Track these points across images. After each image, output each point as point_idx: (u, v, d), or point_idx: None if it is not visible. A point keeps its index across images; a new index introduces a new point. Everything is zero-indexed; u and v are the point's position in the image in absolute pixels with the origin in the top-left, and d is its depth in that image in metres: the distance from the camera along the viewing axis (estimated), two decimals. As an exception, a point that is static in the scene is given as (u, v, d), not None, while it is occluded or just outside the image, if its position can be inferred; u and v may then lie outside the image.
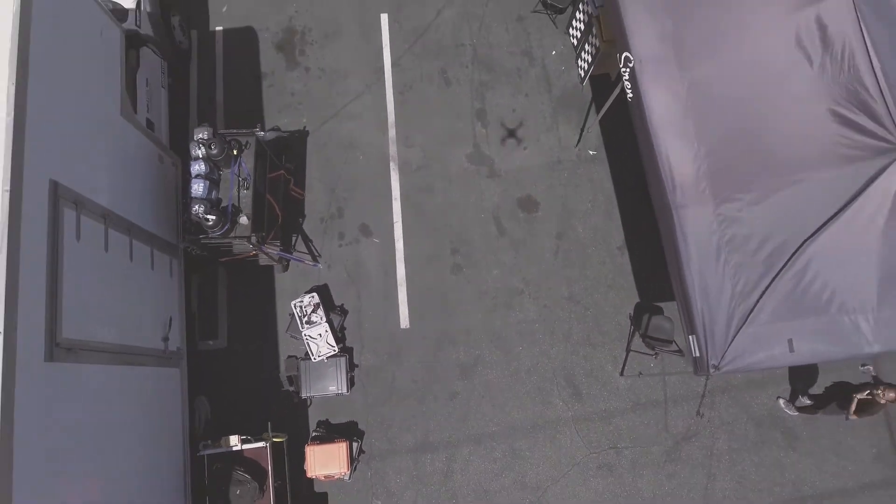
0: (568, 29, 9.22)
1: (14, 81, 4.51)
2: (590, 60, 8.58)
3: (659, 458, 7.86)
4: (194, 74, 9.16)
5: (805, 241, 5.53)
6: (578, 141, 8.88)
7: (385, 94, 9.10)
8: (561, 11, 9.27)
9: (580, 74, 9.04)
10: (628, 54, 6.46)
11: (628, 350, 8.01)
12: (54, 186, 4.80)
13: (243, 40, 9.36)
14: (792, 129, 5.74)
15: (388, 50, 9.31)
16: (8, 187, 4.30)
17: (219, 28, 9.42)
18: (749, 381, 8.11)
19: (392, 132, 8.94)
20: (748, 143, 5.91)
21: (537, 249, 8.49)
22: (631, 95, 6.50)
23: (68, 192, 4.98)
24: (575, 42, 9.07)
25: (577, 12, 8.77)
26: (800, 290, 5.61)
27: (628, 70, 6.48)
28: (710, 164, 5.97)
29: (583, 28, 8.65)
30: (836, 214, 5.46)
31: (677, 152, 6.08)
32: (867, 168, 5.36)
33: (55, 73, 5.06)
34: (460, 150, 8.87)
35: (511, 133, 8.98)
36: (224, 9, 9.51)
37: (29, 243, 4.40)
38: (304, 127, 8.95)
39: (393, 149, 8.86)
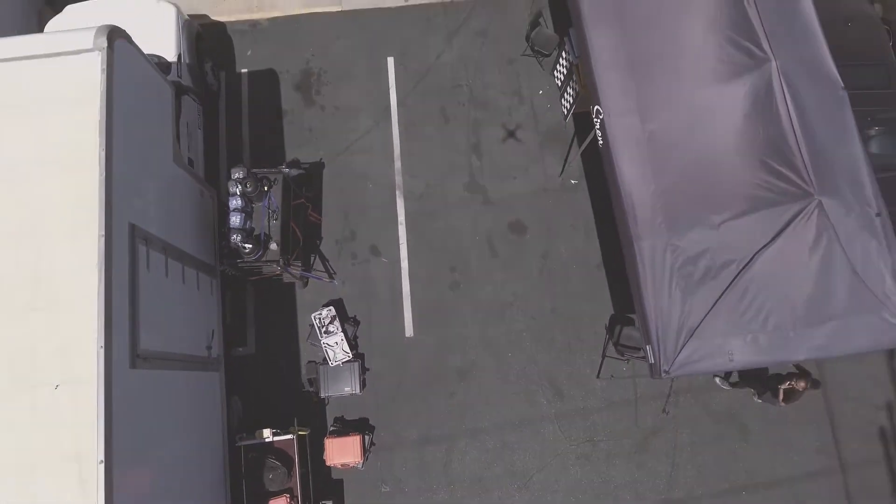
0: (553, 71, 10.43)
1: (104, 147, 5.72)
2: (571, 101, 9.79)
3: (630, 450, 9.06)
4: (223, 112, 10.39)
5: (740, 270, 6.74)
6: (562, 171, 10.08)
7: (392, 130, 10.32)
8: (547, 55, 10.47)
9: (564, 112, 10.25)
10: (599, 107, 7.69)
11: (603, 356, 9.21)
12: (132, 228, 6.01)
13: (266, 81, 10.58)
14: (731, 175, 6.95)
15: (395, 90, 10.53)
16: (102, 232, 5.51)
17: (244, 70, 10.64)
18: (709, 383, 9.31)
19: (398, 164, 10.16)
20: (696, 186, 7.12)
21: (525, 268, 9.70)
22: (601, 142, 7.71)
23: (141, 231, 6.19)
24: (559, 83, 10.28)
25: (561, 58, 9.98)
26: (737, 310, 6.82)
27: (599, 120, 7.71)
28: (665, 202, 7.19)
29: (565, 73, 9.86)
30: (764, 247, 6.67)
31: (638, 192, 7.30)
32: (789, 210, 6.59)
33: (128, 134, 6.26)
34: (458, 180, 10.09)
35: (502, 164, 10.19)
36: (248, 53, 10.74)
37: (117, 276, 5.60)
38: (321, 159, 10.17)
39: (399, 179, 10.08)
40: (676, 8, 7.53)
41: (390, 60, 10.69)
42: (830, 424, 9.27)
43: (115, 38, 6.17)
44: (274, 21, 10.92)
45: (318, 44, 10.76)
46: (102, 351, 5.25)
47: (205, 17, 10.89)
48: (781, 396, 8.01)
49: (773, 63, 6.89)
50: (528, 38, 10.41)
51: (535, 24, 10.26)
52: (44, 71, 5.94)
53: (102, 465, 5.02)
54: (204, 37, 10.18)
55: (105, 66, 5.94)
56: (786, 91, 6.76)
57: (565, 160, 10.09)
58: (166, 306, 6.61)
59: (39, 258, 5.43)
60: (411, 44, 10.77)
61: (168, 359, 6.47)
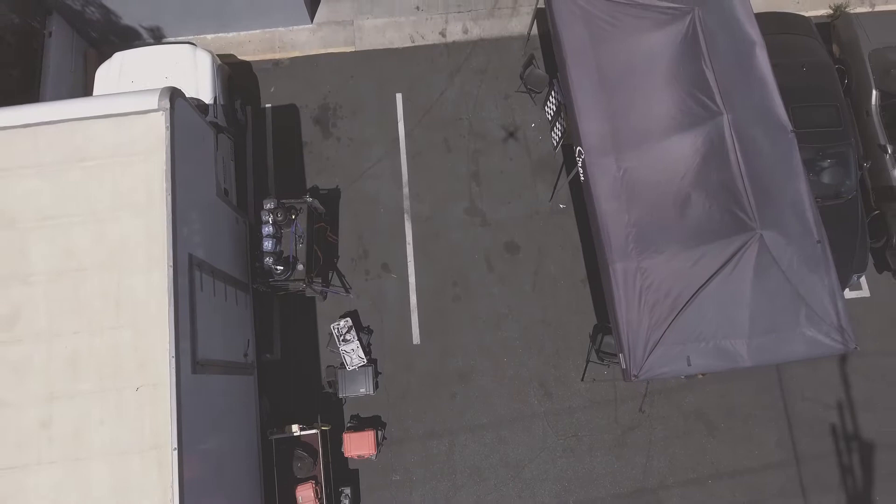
0: (544, 107, 11.69)
1: (170, 192, 6.99)
2: (560, 134, 11.04)
3: (610, 444, 10.32)
4: (250, 143, 11.65)
5: (697, 290, 7.99)
6: (552, 197, 11.34)
7: (400, 159, 11.58)
8: (538, 92, 11.72)
9: (553, 143, 11.51)
10: (580, 148, 8.95)
11: (587, 361, 10.46)
12: (190, 257, 7.27)
13: (288, 115, 11.84)
14: (691, 210, 8.21)
15: (402, 123, 11.79)
16: (170, 263, 6.78)
17: (268, 105, 11.91)
18: (680, 386, 10.57)
19: (406, 190, 11.42)
20: (662, 219, 8.38)
21: (518, 282, 10.96)
22: (583, 178, 8.97)
23: (196, 259, 7.45)
24: (549, 118, 11.54)
25: (550, 96, 11.24)
26: (695, 323, 8.06)
27: (581, 159, 8.97)
28: (636, 231, 8.43)
29: (554, 110, 11.12)
30: (717, 272, 7.92)
31: (613, 222, 8.54)
32: (736, 241, 7.84)
33: (185, 177, 7.51)
34: (459, 205, 11.35)
35: (498, 190, 11.44)
36: (272, 90, 12.00)
37: (181, 298, 6.86)
38: (337, 186, 11.43)
39: (407, 203, 11.34)
40: (646, 65, 8.78)
41: (399, 96, 11.95)
42: (787, 422, 10.54)
43: (175, 98, 7.44)
44: (294, 60, 12.19)
45: (335, 81, 12.03)
46: (173, 360, 6.51)
47: (232, 56, 12.16)
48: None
49: (725, 116, 8.15)
50: (521, 77, 11.66)
51: (528, 64, 11.52)
52: (120, 127, 7.20)
53: (176, 451, 6.29)
54: (232, 75, 11.46)
55: (168, 124, 7.21)
56: (735, 141, 8.03)
57: (554, 187, 11.34)
58: (214, 321, 7.87)
59: (121, 285, 6.69)
60: (417, 81, 12.03)
61: (217, 365, 7.73)
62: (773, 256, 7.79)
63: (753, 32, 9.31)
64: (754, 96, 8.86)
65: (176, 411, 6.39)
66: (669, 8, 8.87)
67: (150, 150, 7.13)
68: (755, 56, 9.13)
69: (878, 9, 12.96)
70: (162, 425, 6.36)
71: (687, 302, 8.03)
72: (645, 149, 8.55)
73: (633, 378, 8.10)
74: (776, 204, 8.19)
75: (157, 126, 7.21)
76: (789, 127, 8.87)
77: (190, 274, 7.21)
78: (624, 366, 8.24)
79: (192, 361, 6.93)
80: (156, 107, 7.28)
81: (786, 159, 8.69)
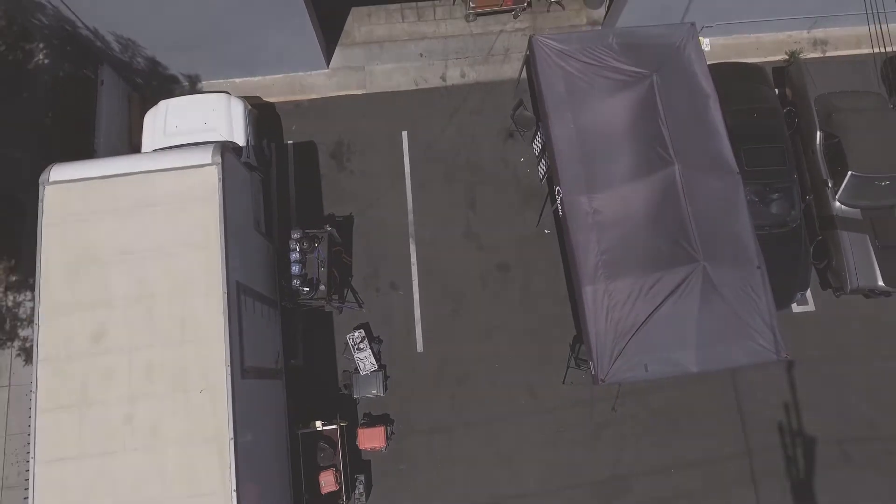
0: (531, 143, 13.35)
1: (222, 233, 8.66)
2: (545, 169, 12.70)
3: (587, 439, 11.98)
4: (274, 176, 13.32)
5: (654, 310, 9.65)
6: (538, 223, 12.99)
7: (406, 190, 13.24)
8: (527, 130, 13.38)
9: (539, 175, 13.16)
10: (559, 188, 10.63)
11: (567, 367, 12.10)
12: (238, 284, 8.94)
13: (307, 151, 13.51)
14: (647, 243, 9.88)
15: (408, 158, 13.45)
16: (225, 290, 8.45)
17: (290, 142, 13.59)
18: (648, 388, 12.20)
19: (411, 217, 13.08)
20: (624, 248, 10.04)
21: (509, 299, 12.62)
22: (561, 213, 10.65)
23: (242, 285, 9.12)
24: (536, 153, 13.20)
25: (537, 136, 12.90)
26: (651, 337, 9.72)
27: (560, 197, 10.64)
28: (604, 259, 10.10)
29: (540, 147, 12.78)
30: (669, 295, 9.58)
31: (585, 251, 10.21)
32: (684, 270, 9.52)
33: (232, 217, 9.17)
34: (458, 230, 13.01)
35: (491, 217, 13.10)
36: (293, 128, 13.67)
37: (233, 318, 8.53)
38: (351, 213, 13.09)
39: (412, 229, 13.00)
40: (613, 120, 10.45)
41: (404, 134, 13.62)
42: (741, 419, 12.19)
43: (225, 153, 9.12)
44: (313, 102, 13.87)
45: (348, 120, 13.70)
46: (228, 368, 8.19)
47: (258, 97, 13.84)
48: None
49: (676, 167, 9.81)
50: (512, 117, 13.34)
51: (517, 106, 13.20)
52: (181, 178, 8.87)
53: (232, 441, 7.96)
54: (259, 117, 13.13)
55: (220, 175, 8.89)
56: (683, 186, 9.70)
57: (540, 214, 12.98)
58: (255, 334, 9.54)
59: (185, 308, 8.37)
60: (421, 120, 13.70)
61: (258, 371, 9.41)
62: (714, 283, 9.46)
63: (708, 87, 11.04)
64: (706, 143, 10.57)
65: (231, 409, 8.07)
66: (633, 72, 10.55)
67: (205, 197, 8.81)
68: (708, 108, 10.85)
69: (828, 54, 14.64)
70: (220, 420, 8.04)
71: (645, 319, 9.70)
72: (612, 191, 10.23)
73: (600, 381, 9.78)
74: (719, 238, 9.86)
75: (211, 177, 8.89)
76: (735, 169, 10.57)
77: (237, 298, 8.87)
78: (593, 371, 9.91)
79: (241, 368, 8.61)
80: (209, 161, 8.97)
81: (731, 197, 10.40)
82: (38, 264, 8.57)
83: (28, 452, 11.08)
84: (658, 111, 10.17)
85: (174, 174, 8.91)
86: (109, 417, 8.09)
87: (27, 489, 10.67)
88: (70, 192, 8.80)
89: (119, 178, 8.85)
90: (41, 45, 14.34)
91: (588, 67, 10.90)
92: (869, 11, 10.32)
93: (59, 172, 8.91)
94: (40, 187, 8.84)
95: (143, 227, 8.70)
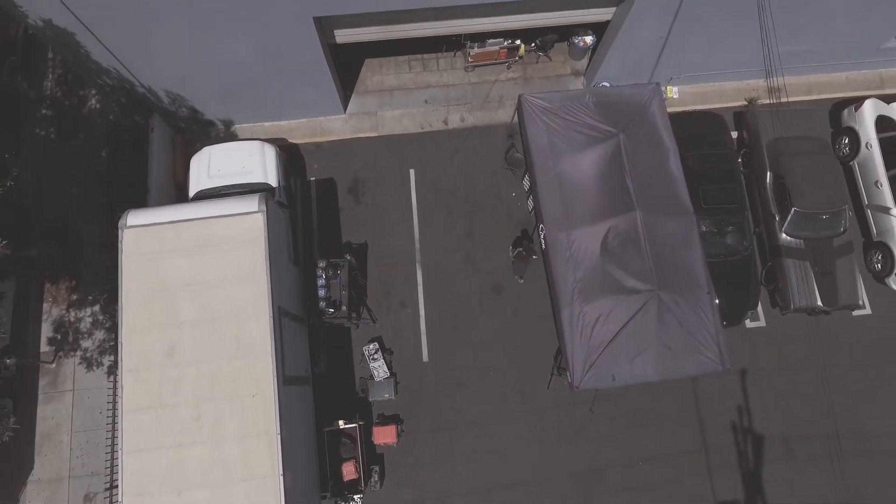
0: (521, 181, 15.41)
1: (267, 269, 10.72)
2: (531, 205, 14.74)
3: (569, 436, 14.03)
4: (299, 209, 15.38)
5: (619, 329, 11.70)
6: (527, 250, 15.04)
7: (413, 221, 15.30)
8: (518, 169, 15.43)
9: (528, 209, 15.22)
10: (542, 225, 12.69)
11: (551, 374, 14.15)
12: (279, 308, 11.00)
13: (328, 187, 15.58)
14: (613, 272, 11.93)
15: (415, 193, 15.52)
16: (270, 314, 10.51)
17: (313, 179, 15.66)
18: (621, 393, 14.23)
19: (417, 244, 15.15)
20: (595, 276, 12.09)
21: (501, 316, 14.68)
22: (543, 246, 12.71)
23: (283, 309, 11.18)
24: (525, 189, 15.26)
25: (525, 176, 14.94)
26: (618, 351, 11.77)
27: (543, 233, 12.71)
28: (580, 287, 12.15)
29: (529, 185, 14.82)
30: (632, 317, 11.64)
31: (563, 279, 12.27)
32: (643, 297, 11.57)
33: (273, 253, 11.21)
34: (458, 257, 15.08)
35: (488, 245, 15.17)
36: (315, 166, 15.74)
37: (276, 337, 10.58)
38: (365, 241, 15.16)
39: (418, 255, 15.06)
40: (588, 170, 12.53)
41: (412, 171, 15.69)
42: (699, 420, 14.23)
43: (268, 202, 11.19)
44: (332, 143, 15.94)
45: (363, 159, 15.78)
46: (274, 377, 10.25)
47: (284, 139, 15.92)
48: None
49: (637, 212, 11.87)
50: (505, 158, 15.41)
51: (509, 149, 15.29)
52: (233, 223, 10.94)
53: (279, 436, 10.02)
54: (287, 158, 15.20)
55: (265, 221, 10.95)
56: (643, 228, 11.76)
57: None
58: (291, 348, 11.60)
59: (238, 329, 10.43)
60: (426, 159, 15.77)
61: (294, 379, 11.46)
62: (668, 307, 11.53)
63: (668, 140, 13.12)
64: (666, 189, 12.64)
65: (278, 410, 10.14)
66: (605, 129, 12.65)
67: (253, 238, 10.88)
68: (668, 159, 12.92)
69: (783, 99, 16.68)
70: (269, 419, 10.10)
71: (612, 338, 11.75)
72: (586, 229, 12.29)
73: (575, 388, 11.84)
74: (674, 269, 11.93)
75: (258, 223, 10.96)
76: (691, 211, 12.64)
77: (279, 320, 10.94)
78: (570, 380, 11.97)
79: (283, 377, 10.67)
80: (256, 209, 11.04)
81: (687, 234, 12.46)
82: (119, 293, 10.63)
83: (108, 446, 13.30)
84: (623, 165, 12.25)
85: (228, 220, 10.98)
86: (180, 417, 10.15)
87: (106, 476, 12.85)
88: (144, 235, 10.87)
89: (183, 223, 10.92)
90: (93, 92, 16.44)
91: (567, 123, 12.97)
92: (767, 67, 12.40)
93: (135, 218, 10.98)
94: (119, 231, 10.90)
95: (204, 263, 10.75)
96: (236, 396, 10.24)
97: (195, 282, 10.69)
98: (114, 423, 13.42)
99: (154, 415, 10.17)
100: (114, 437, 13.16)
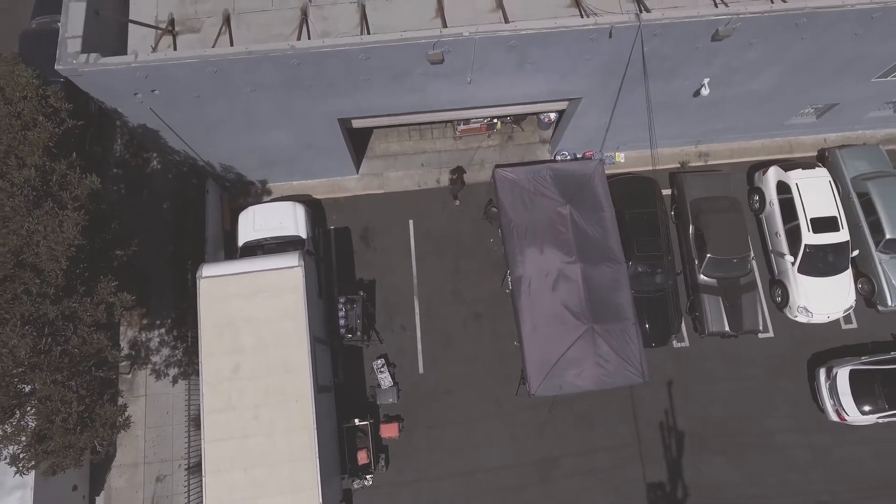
0: (497, 230, 19.39)
1: (305, 312, 14.76)
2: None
3: (533, 432, 18.03)
4: (321, 252, 19.40)
5: (564, 351, 15.72)
6: (501, 284, 19.05)
7: (411, 262, 19.33)
8: (496, 220, 19.42)
9: (502, 252, 19.21)
10: (508, 270, 16.73)
11: (518, 385, 18.10)
12: (313, 336, 15.04)
13: (344, 234, 19.62)
14: (560, 310, 15.96)
15: (413, 239, 19.54)
16: (308, 340, 14.55)
17: (332, 227, 19.71)
18: (573, 399, 18.22)
19: (415, 281, 19.18)
20: (548, 311, 16.09)
21: (483, 338, 18.70)
22: (509, 289, 16.75)
23: (315, 336, 15.22)
24: (500, 237, 19.26)
25: (499, 228, 18.95)
26: (564, 367, 15.78)
27: (509, 277, 16.74)
28: (535, 320, 16.14)
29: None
30: (574, 342, 15.66)
31: (524, 313, 16.27)
32: (581, 328, 15.60)
33: (309, 296, 15.21)
34: (448, 290, 19.10)
35: (470, 280, 19.18)
36: (334, 217, 19.79)
37: (312, 359, 14.62)
38: (374, 278, 19.19)
39: (416, 289, 19.09)
40: (544, 228, 16.54)
41: (411, 222, 19.72)
42: (634, 420, 18.24)
43: (305, 258, 15.23)
44: (347, 198, 19.99)
45: (371, 211, 19.81)
46: (311, 388, 14.29)
47: (309, 195, 19.96)
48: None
49: (578, 264, 15.90)
50: (484, 212, 19.45)
51: (488, 204, 19.32)
52: (279, 274, 14.97)
53: (315, 429, 14.06)
54: (312, 213, 19.24)
55: (303, 273, 14.99)
56: (582, 277, 15.79)
57: (503, 279, 19.06)
58: (320, 365, 15.62)
59: (286, 352, 14.47)
60: (423, 211, 19.80)
61: (323, 388, 15.50)
62: (600, 335, 15.56)
63: (606, 205, 17.15)
64: (602, 244, 16.67)
65: (314, 411, 14.17)
66: (557, 200, 16.68)
67: (294, 286, 14.92)
68: (605, 219, 16.96)
69: (710, 162, 20.76)
70: (308, 417, 14.13)
71: (559, 358, 15.77)
72: (540, 275, 16.31)
73: (532, 395, 15.86)
74: (606, 306, 15.96)
75: (298, 274, 15.00)
76: (621, 260, 16.67)
77: (312, 345, 14.97)
78: (528, 388, 15.98)
79: (317, 386, 14.70)
80: (296, 264, 15.08)
81: (618, 278, 16.48)
82: (199, 327, 14.67)
83: (185, 439, 17.22)
84: (569, 227, 16.30)
85: (275, 272, 15.03)
86: (244, 416, 14.18)
87: (182, 460, 16.88)
88: (215, 283, 14.92)
89: (242, 274, 14.96)
90: (155, 155, 20.48)
91: (528, 192, 17.02)
92: (652, 138, 16.39)
93: (208, 271, 15.03)
94: (197, 280, 14.95)
95: (258, 304, 14.80)
96: (284, 402, 14.29)
97: (252, 318, 14.74)
98: (189, 423, 17.39)
99: (225, 415, 14.22)
100: (189, 432, 17.15)
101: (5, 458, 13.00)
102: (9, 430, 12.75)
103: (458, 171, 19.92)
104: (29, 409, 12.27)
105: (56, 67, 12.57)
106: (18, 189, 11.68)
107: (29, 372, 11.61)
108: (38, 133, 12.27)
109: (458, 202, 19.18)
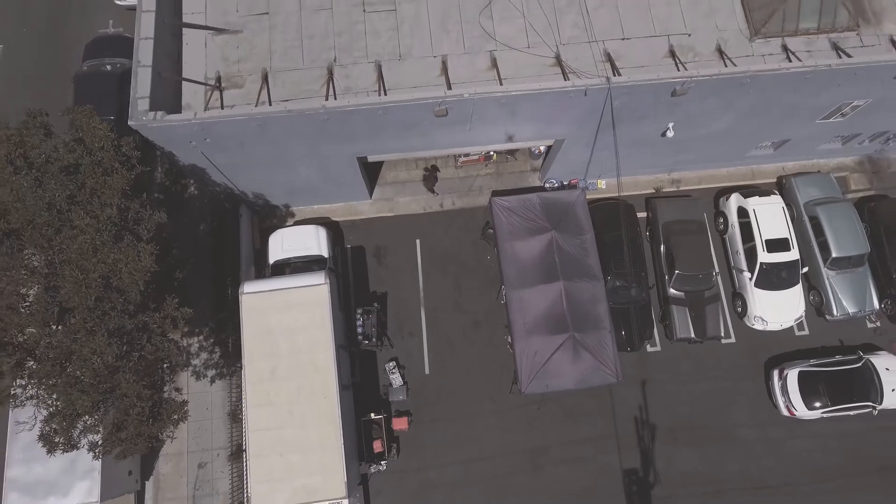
0: (493, 248, 22.14)
1: (330, 323, 17.52)
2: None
3: (524, 425, 20.75)
4: (339, 268, 22.13)
5: (551, 355, 18.47)
6: (496, 296, 21.79)
7: (418, 277, 22.07)
8: (492, 241, 22.15)
9: (498, 269, 21.97)
10: (503, 285, 19.50)
11: (512, 384, 20.82)
12: (337, 343, 17.78)
13: (359, 252, 22.37)
14: (546, 320, 18.71)
15: (420, 257, 22.28)
16: (333, 346, 17.30)
17: (349, 246, 22.46)
18: (560, 396, 20.94)
19: (422, 294, 21.92)
20: (537, 321, 18.85)
21: (480, 343, 21.43)
22: (503, 301, 19.51)
23: (339, 342, 17.96)
24: (496, 255, 22.02)
25: (495, 247, 21.70)
26: (550, 369, 18.53)
27: (504, 292, 19.51)
28: (527, 329, 18.90)
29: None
30: (559, 347, 18.40)
31: (516, 323, 19.02)
32: (563, 335, 18.37)
33: (333, 309, 17.96)
34: (450, 301, 21.84)
35: (470, 293, 21.92)
36: (350, 237, 22.54)
37: (336, 362, 17.37)
38: (386, 291, 21.94)
39: (422, 301, 21.83)
40: (531, 250, 19.28)
41: (418, 241, 22.47)
42: (613, 415, 20.96)
43: (330, 276, 17.99)
44: (362, 220, 22.74)
45: (382, 232, 22.56)
46: (336, 386, 17.04)
47: (328, 217, 22.71)
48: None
49: (561, 282, 18.64)
50: (482, 233, 22.20)
51: (485, 227, 22.07)
52: (309, 291, 17.73)
53: (340, 422, 16.81)
54: (332, 234, 21.98)
55: (329, 289, 17.74)
56: (564, 293, 18.53)
57: (499, 292, 21.79)
58: (342, 367, 18.36)
59: (315, 358, 17.21)
60: (428, 232, 22.55)
61: (345, 386, 18.24)
62: (580, 342, 18.32)
63: (587, 227, 19.91)
64: (583, 262, 19.42)
65: (339, 406, 16.92)
66: (544, 225, 19.44)
67: (321, 301, 17.67)
68: (585, 241, 19.72)
69: (682, 187, 23.51)
70: (333, 412, 16.87)
71: (546, 360, 18.51)
72: (529, 291, 19.07)
73: (522, 393, 18.60)
74: (585, 318, 18.70)
75: (324, 290, 17.76)
76: (599, 277, 19.43)
77: (337, 350, 17.71)
78: (519, 387, 18.73)
79: (340, 386, 17.44)
80: (323, 282, 17.84)
81: (596, 293, 19.24)
82: (242, 336, 17.43)
83: (229, 430, 19.91)
84: (553, 249, 19.06)
85: (305, 289, 17.78)
86: (280, 411, 16.93)
87: (226, 448, 19.61)
88: (255, 298, 17.68)
89: (279, 290, 17.72)
90: (192, 181, 23.22)
91: (520, 218, 19.78)
92: (618, 172, 19.17)
93: (248, 287, 17.79)
94: (240, 296, 17.70)
95: (292, 316, 17.55)
96: (313, 399, 17.04)
97: (287, 328, 17.50)
98: (233, 417, 20.11)
99: (265, 409, 16.98)
100: (232, 425, 19.90)
101: (84, 445, 15.74)
102: (89, 421, 15.49)
103: (432, 169, 22.79)
104: (111, 403, 15.01)
105: (129, 123, 15.32)
106: (104, 226, 14.42)
107: (114, 373, 14.36)
108: (117, 179, 15.01)
109: (437, 193, 22.37)
